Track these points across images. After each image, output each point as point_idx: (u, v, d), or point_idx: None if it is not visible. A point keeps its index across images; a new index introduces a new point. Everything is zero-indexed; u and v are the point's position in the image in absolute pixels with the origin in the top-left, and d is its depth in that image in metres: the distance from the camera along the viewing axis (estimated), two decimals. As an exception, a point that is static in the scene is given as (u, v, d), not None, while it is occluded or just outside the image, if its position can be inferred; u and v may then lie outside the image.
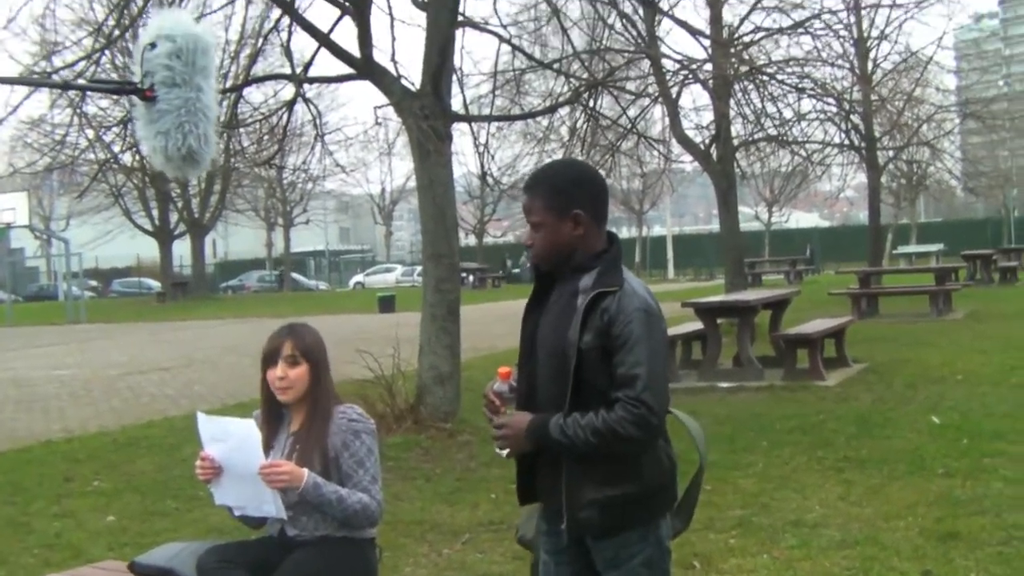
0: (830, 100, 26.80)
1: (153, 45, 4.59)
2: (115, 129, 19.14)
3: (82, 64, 14.66)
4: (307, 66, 15.43)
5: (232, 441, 5.19)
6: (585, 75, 17.45)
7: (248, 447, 5.11)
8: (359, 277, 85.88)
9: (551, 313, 4.39)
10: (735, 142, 26.32)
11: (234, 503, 5.37)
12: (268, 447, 5.34)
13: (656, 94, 23.34)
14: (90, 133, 20.90)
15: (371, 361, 12.87)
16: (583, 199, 4.37)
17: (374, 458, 5.39)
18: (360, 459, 5.32)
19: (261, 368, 5.43)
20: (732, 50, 22.24)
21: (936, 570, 7.25)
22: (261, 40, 21.09)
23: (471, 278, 60.68)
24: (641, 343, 4.16)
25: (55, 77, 14.71)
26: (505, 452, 4.33)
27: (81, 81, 12.46)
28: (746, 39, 24.24)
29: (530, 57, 17.44)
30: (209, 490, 5.40)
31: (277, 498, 5.13)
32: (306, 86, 15.26)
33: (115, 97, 15.28)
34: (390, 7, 14.38)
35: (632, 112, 21.51)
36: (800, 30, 24.65)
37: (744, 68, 21.92)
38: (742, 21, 25.36)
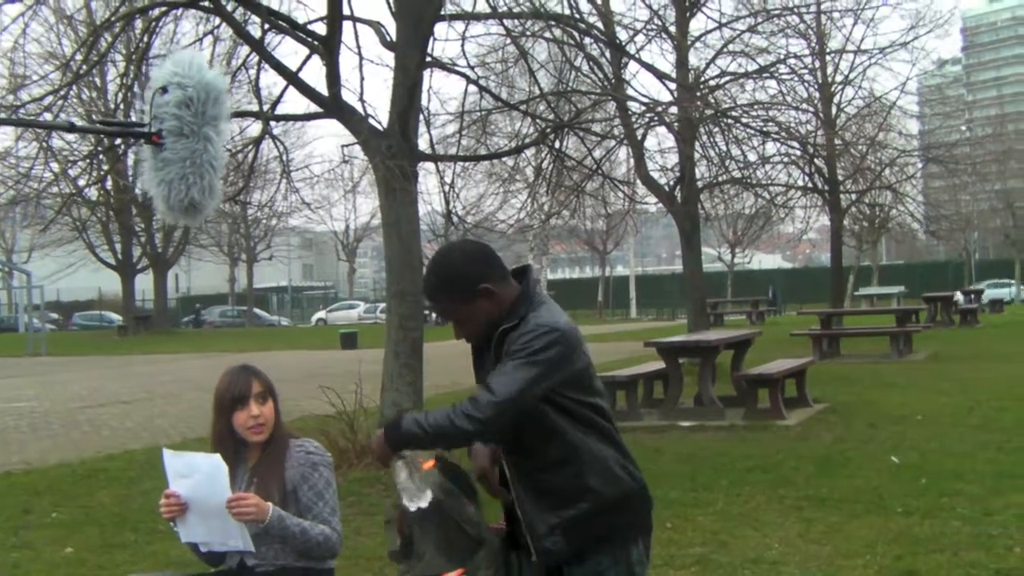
0: (794, 144, 26.96)
1: (165, 90, 4.59)
2: (81, 164, 19.11)
3: (49, 99, 14.69)
4: (275, 103, 15.48)
5: (198, 476, 5.17)
6: (551, 116, 17.50)
7: (215, 481, 5.10)
8: (321, 313, 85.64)
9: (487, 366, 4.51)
10: (699, 184, 26.46)
11: (201, 539, 5.34)
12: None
13: (622, 136, 23.42)
14: (55, 167, 20.85)
15: (333, 397, 12.86)
16: (478, 272, 4.45)
17: (332, 490, 5.42)
18: (319, 491, 5.36)
19: (221, 411, 5.39)
20: (698, 93, 22.33)
21: (893, 608, 7.30)
22: (229, 77, 21.11)
23: (434, 315, 60.54)
24: (523, 350, 4.27)
25: (22, 111, 14.74)
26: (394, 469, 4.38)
27: (83, 123, 12.50)
28: (712, 83, 24.34)
29: (496, 98, 17.50)
30: (173, 528, 5.39)
31: (244, 531, 5.13)
32: (273, 123, 15.31)
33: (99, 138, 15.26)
34: (359, 47, 14.45)
35: (598, 153, 21.60)
36: (765, 74, 24.87)
37: (709, 111, 22.02)
38: (708, 65, 25.58)
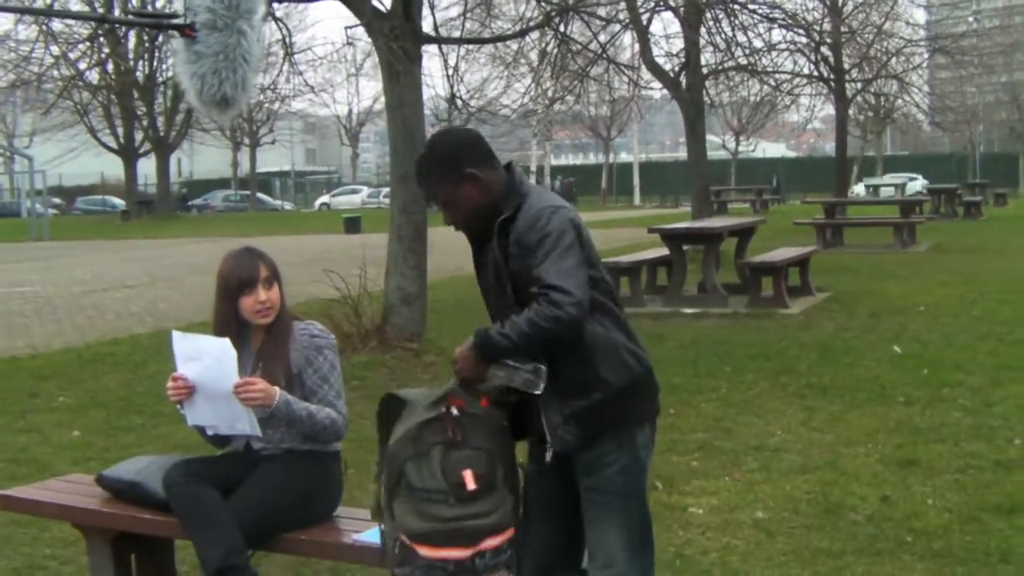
0: (800, 31, 26.77)
1: None
2: (81, 46, 18.98)
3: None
4: (278, -16, 15.32)
5: (207, 360, 5.16)
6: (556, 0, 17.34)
7: (224, 365, 5.09)
8: (324, 198, 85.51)
9: (489, 257, 4.53)
10: (704, 70, 26.28)
11: (207, 423, 5.35)
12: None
13: (627, 20, 23.25)
14: (55, 50, 20.69)
15: (337, 281, 12.87)
16: (467, 157, 4.48)
17: (337, 373, 5.43)
18: (324, 374, 5.36)
19: (226, 296, 5.35)
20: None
21: (894, 496, 7.34)
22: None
23: (434, 201, 60.49)
24: (545, 241, 4.28)
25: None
26: (481, 387, 4.37)
27: (117, 13, 12.37)
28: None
29: (501, -21, 17.34)
30: (180, 411, 5.40)
31: (251, 415, 5.14)
32: (276, 4, 15.15)
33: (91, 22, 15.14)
34: (362, -74, 14.25)
35: (602, 38, 21.36)
36: (773, -41, 24.58)
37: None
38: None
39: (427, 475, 4.25)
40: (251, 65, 4.59)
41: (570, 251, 4.29)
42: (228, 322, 5.36)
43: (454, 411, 4.31)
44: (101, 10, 35.61)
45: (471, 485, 4.22)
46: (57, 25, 24.36)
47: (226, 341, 5.12)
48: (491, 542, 4.27)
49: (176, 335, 5.26)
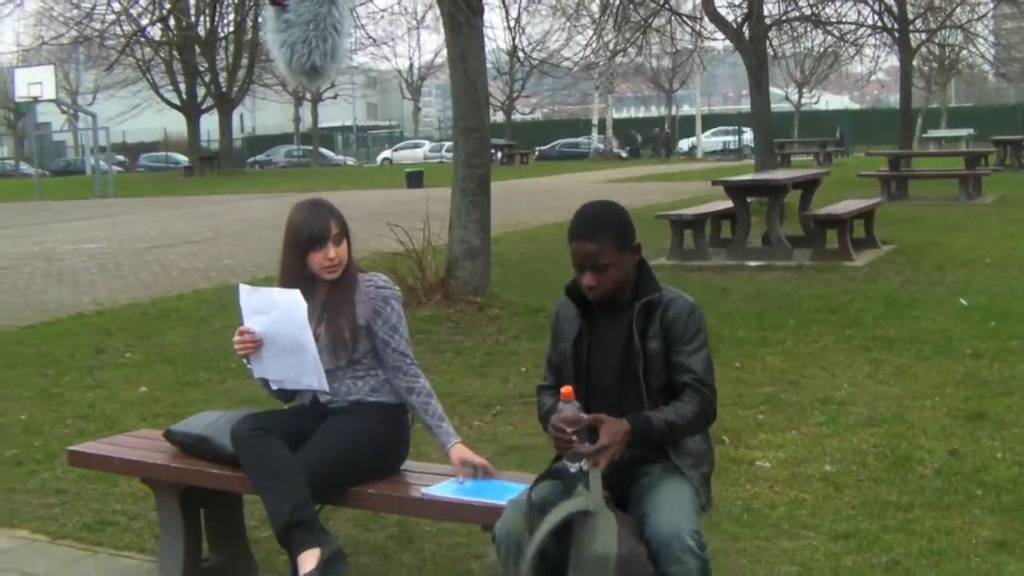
0: (865, -21, 26.51)
1: None
2: (142, 2, 19.06)
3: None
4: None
5: (276, 313, 5.18)
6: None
7: (294, 318, 5.10)
8: (387, 153, 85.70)
9: (604, 334, 4.66)
10: (768, 21, 26.09)
11: (274, 376, 5.37)
12: None
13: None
14: (117, 6, 20.80)
15: (401, 235, 12.87)
16: (634, 231, 4.65)
17: (404, 323, 5.43)
18: (393, 324, 5.36)
19: (296, 249, 5.32)
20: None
21: (963, 449, 7.28)
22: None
23: (499, 154, 60.64)
24: (699, 335, 4.56)
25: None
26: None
27: None
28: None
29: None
30: (247, 365, 5.43)
31: (319, 369, 5.17)
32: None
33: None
34: None
35: (665, -12, 21.31)
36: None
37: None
38: None
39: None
40: (341, 34, 4.57)
41: (708, 350, 4.59)
42: (296, 274, 5.34)
43: None
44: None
45: None
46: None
47: (296, 292, 5.12)
48: None
49: (243, 288, 5.27)
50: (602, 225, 4.58)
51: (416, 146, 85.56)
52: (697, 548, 4.21)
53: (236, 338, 5.27)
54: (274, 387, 5.45)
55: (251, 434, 5.15)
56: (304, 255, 5.29)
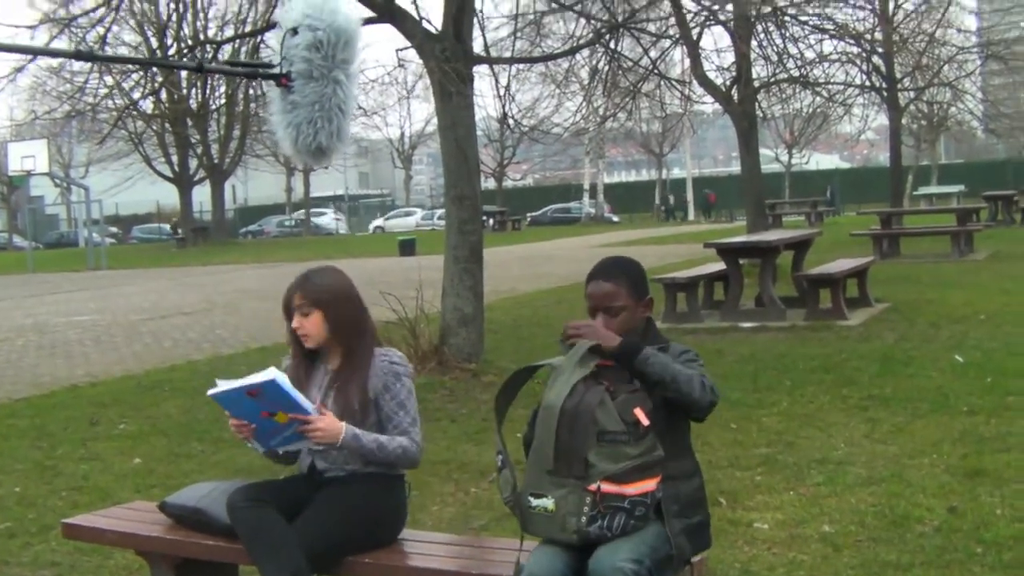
0: (851, 41, 26.64)
1: (295, 31, 4.49)
2: (135, 76, 19.10)
3: (101, 11, 14.65)
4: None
5: (259, 399, 5.13)
6: (606, 17, 17.29)
7: (278, 395, 5.07)
8: (379, 221, 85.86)
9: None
10: (756, 83, 26.18)
11: (278, 445, 5.36)
12: (306, 384, 5.40)
13: (677, 35, 23.19)
14: (109, 80, 20.84)
15: (394, 303, 12.87)
16: (647, 285, 4.91)
17: (413, 400, 5.43)
18: (401, 401, 5.36)
19: (285, 316, 5.48)
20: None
21: (962, 506, 7.25)
22: (361, 19, 21.00)
23: (491, 221, 60.84)
24: (697, 361, 4.72)
25: (74, 25, 14.73)
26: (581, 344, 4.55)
27: (215, 65, 12.42)
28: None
29: (551, -1, 17.32)
30: (249, 445, 5.41)
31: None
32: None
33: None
34: (409, -52, 14.27)
35: (653, 54, 21.30)
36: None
37: (766, 9, 21.77)
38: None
39: (610, 420, 4.43)
40: (346, 115, 4.59)
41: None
42: (294, 339, 5.48)
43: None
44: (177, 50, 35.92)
45: (645, 421, 4.45)
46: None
47: (270, 370, 5.09)
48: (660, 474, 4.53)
49: (213, 393, 5.18)
50: (621, 270, 4.79)
51: (408, 214, 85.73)
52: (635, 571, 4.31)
53: (232, 425, 5.27)
54: (281, 451, 5.44)
55: (247, 504, 5.14)
56: (289, 322, 5.41)
